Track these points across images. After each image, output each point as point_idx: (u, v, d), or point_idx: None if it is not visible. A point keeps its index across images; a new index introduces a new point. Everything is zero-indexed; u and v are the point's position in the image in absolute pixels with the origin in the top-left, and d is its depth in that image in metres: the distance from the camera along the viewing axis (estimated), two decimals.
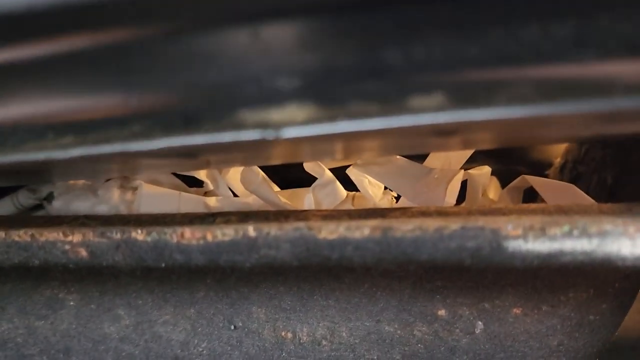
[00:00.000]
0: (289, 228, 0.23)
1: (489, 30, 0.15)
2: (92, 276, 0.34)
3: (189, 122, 0.17)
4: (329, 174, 0.33)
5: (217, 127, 0.17)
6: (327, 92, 0.16)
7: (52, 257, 0.26)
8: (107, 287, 0.34)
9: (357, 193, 0.37)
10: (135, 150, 0.18)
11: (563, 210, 0.23)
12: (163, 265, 0.25)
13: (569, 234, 0.21)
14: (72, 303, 0.35)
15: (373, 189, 0.35)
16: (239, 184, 0.36)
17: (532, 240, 0.21)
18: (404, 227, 0.22)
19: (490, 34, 0.15)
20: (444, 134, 0.18)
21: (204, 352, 0.34)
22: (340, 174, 0.35)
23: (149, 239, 0.24)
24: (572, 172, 0.39)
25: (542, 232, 0.21)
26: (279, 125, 0.17)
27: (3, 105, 0.18)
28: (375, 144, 0.21)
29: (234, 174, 0.36)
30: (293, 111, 0.16)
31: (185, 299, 0.33)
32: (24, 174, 0.24)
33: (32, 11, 0.14)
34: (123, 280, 0.33)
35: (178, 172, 0.34)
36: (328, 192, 0.33)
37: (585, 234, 0.21)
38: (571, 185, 0.33)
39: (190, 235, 0.24)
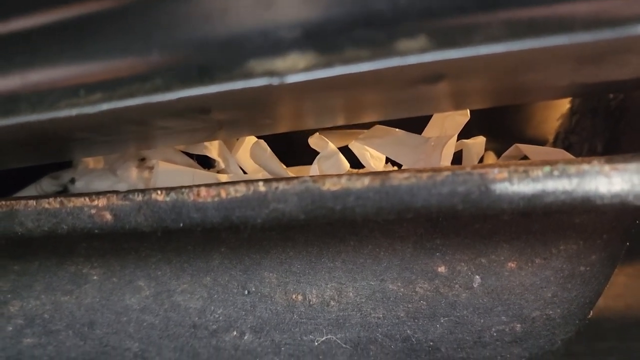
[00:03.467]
0: (296, 182, 0.25)
1: None
2: (114, 251, 0.36)
3: (203, 74, 0.19)
4: (332, 146, 0.35)
5: (229, 77, 0.19)
6: (324, 41, 0.18)
7: (79, 222, 0.29)
8: (128, 261, 0.36)
9: (360, 169, 0.39)
10: (156, 102, 0.20)
11: (546, 162, 0.25)
12: (181, 225, 0.28)
13: (550, 175, 0.23)
14: (95, 277, 0.37)
15: (375, 162, 0.37)
16: (248, 162, 0.38)
17: (517, 182, 0.23)
18: (400, 176, 0.24)
19: None
20: (430, 80, 0.20)
21: (220, 318, 0.36)
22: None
23: (168, 199, 0.27)
24: (564, 142, 0.41)
25: (525, 174, 0.23)
26: (283, 73, 0.19)
27: (40, 68, 0.21)
28: (370, 97, 0.23)
29: (244, 153, 0.38)
30: (295, 59, 0.19)
31: (202, 267, 0.35)
32: (52, 141, 0.26)
33: None
34: (143, 252, 0.36)
35: (192, 144, 0.36)
36: (332, 163, 0.35)
37: (565, 174, 0.23)
38: (562, 150, 0.36)
39: (205, 193, 0.26)
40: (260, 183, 0.25)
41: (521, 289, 0.32)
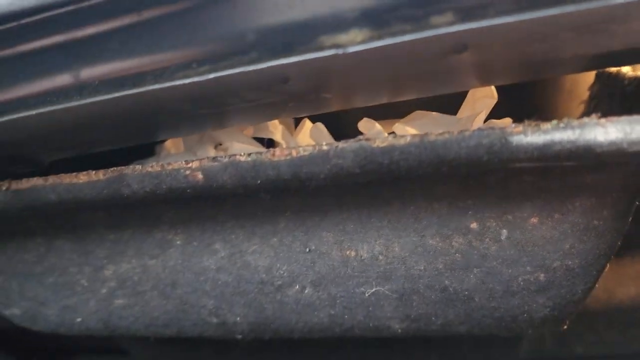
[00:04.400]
0: (352, 141, 0.32)
1: None
2: (195, 218, 0.43)
3: (287, 48, 0.26)
4: (379, 126, 0.42)
5: (306, 50, 0.26)
6: (376, 19, 0.25)
7: (176, 182, 0.36)
8: (206, 227, 0.43)
9: None
10: (252, 70, 0.27)
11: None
12: (259, 182, 0.34)
13: (557, 127, 0.29)
14: (178, 242, 0.44)
15: None
16: (307, 142, 0.45)
17: (530, 134, 0.29)
18: (436, 133, 0.30)
19: None
20: (457, 50, 0.27)
21: (285, 274, 0.42)
22: None
23: (249, 159, 0.34)
24: None
25: (537, 127, 0.29)
26: (345, 45, 0.26)
27: (161, 49, 0.28)
28: (411, 69, 0.29)
29: (304, 136, 0.45)
30: (354, 34, 0.25)
31: (269, 230, 0.41)
32: (162, 113, 0.33)
33: None
34: (220, 218, 0.42)
35: (263, 121, 0.43)
36: None
37: (569, 126, 0.29)
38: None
39: (279, 152, 0.33)
40: (324, 143, 0.32)
41: (543, 242, 0.37)
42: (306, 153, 0.32)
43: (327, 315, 0.42)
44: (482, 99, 0.40)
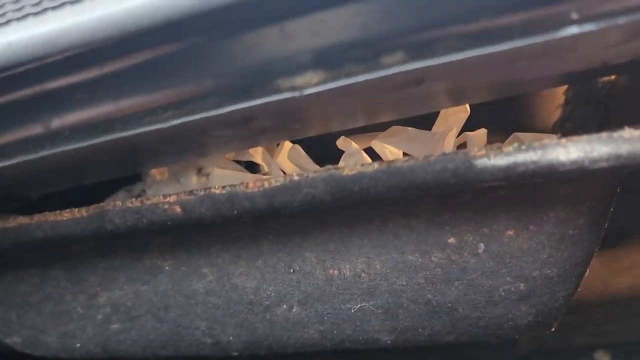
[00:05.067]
0: (322, 171, 0.32)
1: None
2: (181, 244, 0.44)
3: (245, 93, 0.27)
4: (355, 145, 0.42)
5: (263, 93, 0.27)
6: (329, 61, 0.26)
7: (156, 216, 0.37)
8: (193, 252, 0.44)
9: None
10: (212, 115, 0.28)
11: (517, 139, 0.31)
12: (235, 212, 0.35)
13: (518, 149, 0.29)
14: (167, 268, 0.45)
15: (393, 157, 0.44)
16: (287, 165, 0.45)
17: (493, 157, 0.30)
18: (402, 160, 0.31)
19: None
20: (414, 83, 0.27)
21: (272, 294, 0.43)
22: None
23: (224, 192, 0.34)
24: (561, 130, 0.47)
25: (499, 149, 0.30)
26: (302, 87, 0.26)
27: (127, 98, 0.28)
28: (370, 101, 0.30)
29: (283, 158, 0.46)
30: (310, 76, 0.26)
31: (254, 253, 0.42)
32: (134, 152, 0.34)
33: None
34: (205, 244, 0.43)
35: (240, 150, 0.44)
36: (356, 160, 0.42)
37: (531, 147, 0.29)
38: (553, 135, 0.41)
39: (252, 185, 0.33)
40: (294, 174, 0.33)
41: (520, 253, 0.38)
42: (278, 184, 0.33)
43: (317, 331, 0.43)
44: (455, 113, 0.41)
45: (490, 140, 0.46)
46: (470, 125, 0.44)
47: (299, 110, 0.29)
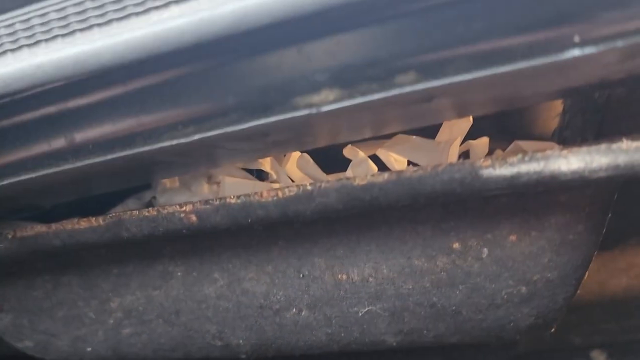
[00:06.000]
0: (334, 181, 0.34)
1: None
2: (193, 250, 0.45)
3: (265, 110, 0.28)
4: (362, 154, 0.44)
5: (282, 110, 0.28)
6: (345, 80, 0.27)
7: (172, 225, 0.38)
8: (205, 258, 0.45)
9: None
10: (232, 131, 0.29)
11: (520, 150, 0.33)
12: (249, 220, 0.36)
13: (522, 160, 0.31)
14: (179, 273, 0.46)
15: (398, 165, 0.45)
16: (296, 173, 0.47)
17: (498, 167, 0.31)
18: (411, 170, 0.32)
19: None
20: (424, 100, 0.29)
21: (282, 299, 0.44)
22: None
23: (239, 201, 0.36)
24: (559, 138, 0.49)
25: (504, 160, 0.31)
26: (319, 104, 0.28)
27: (150, 113, 0.30)
28: (382, 116, 0.31)
29: (291, 166, 0.47)
30: (326, 94, 0.27)
31: (264, 258, 0.44)
32: (153, 165, 0.35)
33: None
34: (217, 250, 0.45)
35: (252, 160, 0.45)
36: (363, 168, 0.44)
37: (534, 158, 0.31)
38: (553, 143, 0.43)
39: (267, 194, 0.35)
40: (308, 184, 0.34)
41: (522, 257, 0.39)
42: (292, 193, 0.34)
43: (325, 334, 0.45)
44: (458, 123, 0.42)
45: (491, 147, 0.47)
46: (471, 131, 0.46)
47: (313, 126, 0.31)
